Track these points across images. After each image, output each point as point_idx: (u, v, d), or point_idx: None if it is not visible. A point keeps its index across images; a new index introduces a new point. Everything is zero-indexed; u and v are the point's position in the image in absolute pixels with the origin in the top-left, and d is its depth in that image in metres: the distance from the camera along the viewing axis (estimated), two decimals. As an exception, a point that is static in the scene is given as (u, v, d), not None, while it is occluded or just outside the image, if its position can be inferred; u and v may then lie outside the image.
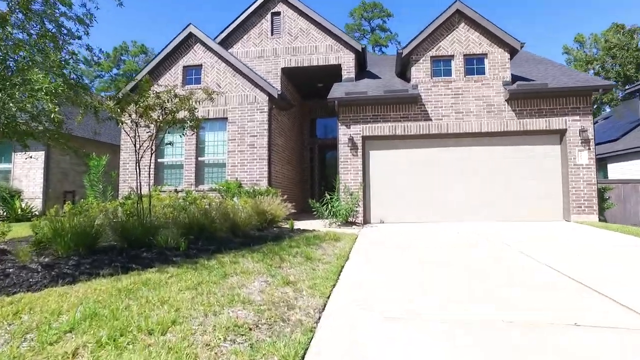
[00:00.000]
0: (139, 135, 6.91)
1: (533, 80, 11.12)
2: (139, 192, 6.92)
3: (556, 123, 10.57)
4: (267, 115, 11.46)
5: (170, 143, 8.34)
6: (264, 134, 11.42)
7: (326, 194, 10.50)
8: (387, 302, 3.67)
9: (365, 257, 5.98)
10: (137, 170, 6.97)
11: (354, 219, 10.64)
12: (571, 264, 5.16)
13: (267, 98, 11.52)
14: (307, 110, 16.69)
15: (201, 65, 12.08)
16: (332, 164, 16.66)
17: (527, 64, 13.05)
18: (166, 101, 6.92)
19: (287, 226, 8.93)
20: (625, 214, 13.35)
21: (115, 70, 48.26)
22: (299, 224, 10.26)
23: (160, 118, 7.16)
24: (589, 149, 10.42)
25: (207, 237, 6.71)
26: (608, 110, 36.37)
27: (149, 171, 11.95)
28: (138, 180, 6.94)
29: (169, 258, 5.26)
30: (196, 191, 11.57)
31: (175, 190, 11.69)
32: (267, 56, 13.18)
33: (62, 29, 6.23)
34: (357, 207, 10.54)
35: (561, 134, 10.68)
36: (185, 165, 11.80)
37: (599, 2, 60.30)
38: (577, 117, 10.53)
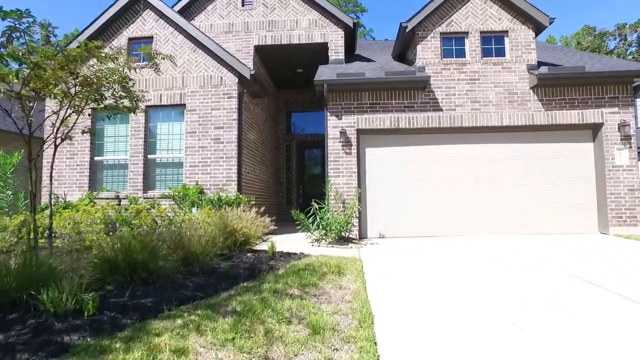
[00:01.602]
0: (28, 116, 4.34)
1: (560, 65, 9.26)
2: (31, 203, 4.37)
3: (591, 116, 8.72)
4: (236, 102, 9.04)
5: (91, 132, 5.72)
6: (233, 126, 8.99)
7: (313, 203, 8.19)
8: None
9: (397, 313, 3.72)
10: (31, 171, 4.40)
11: (347, 234, 8.38)
12: None
13: (237, 80, 9.09)
14: (282, 101, 14.32)
15: (152, 37, 9.49)
16: (313, 164, 14.39)
17: (544, 51, 11.21)
18: (78, 62, 4.39)
19: (265, 248, 6.56)
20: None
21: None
22: (279, 241, 7.92)
23: (73, 91, 4.63)
24: (631, 147, 8.62)
25: (145, 279, 4.26)
26: None
27: (87, 172, 9.35)
28: (32, 187, 4.39)
29: (52, 339, 2.81)
30: (144, 199, 8.99)
31: (117, 198, 9.07)
32: (236, 31, 10.73)
33: None
34: (353, 219, 8.29)
35: (595, 129, 8.84)
36: (130, 165, 9.19)
37: (569, 3, 60.98)
38: (616, 109, 8.71)
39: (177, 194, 8.50)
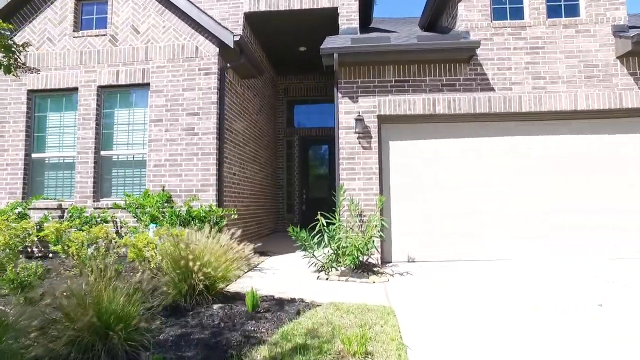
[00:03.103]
0: None
1: (650, 30, 6.88)
2: None
3: (700, 96, 6.34)
4: (216, 80, 6.75)
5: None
6: (211, 112, 6.70)
7: (319, 217, 5.87)
8: None
9: None
10: None
11: (366, 258, 6.05)
12: None
13: (217, 50, 6.81)
14: (282, 89, 12.02)
15: (107, -3, 7.25)
16: (319, 164, 12.09)
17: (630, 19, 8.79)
18: None
19: (246, 289, 4.24)
20: None
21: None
22: (272, 267, 5.68)
23: None
24: None
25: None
26: None
27: (20, 173, 7.09)
28: None
29: None
30: (95, 209, 6.73)
31: (60, 208, 6.81)
32: (221, -6, 8.46)
33: None
34: (374, 238, 5.94)
35: None
36: (77, 165, 6.93)
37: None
38: None
39: (133, 203, 6.22)
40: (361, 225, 6.39)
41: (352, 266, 5.62)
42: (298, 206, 11.61)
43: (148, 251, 4.68)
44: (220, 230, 5.87)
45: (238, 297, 4.24)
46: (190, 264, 3.63)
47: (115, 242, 4.98)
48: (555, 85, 6.55)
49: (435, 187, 6.73)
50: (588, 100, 6.45)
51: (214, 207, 5.93)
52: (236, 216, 6.34)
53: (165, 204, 6.48)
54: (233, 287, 4.71)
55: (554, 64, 6.59)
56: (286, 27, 8.98)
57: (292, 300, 4.19)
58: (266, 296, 4.31)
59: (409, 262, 6.66)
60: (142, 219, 6.04)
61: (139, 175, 6.97)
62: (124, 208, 6.27)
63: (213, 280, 3.82)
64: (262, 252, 7.47)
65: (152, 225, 5.77)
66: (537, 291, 4.65)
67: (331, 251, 5.80)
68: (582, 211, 6.54)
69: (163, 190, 6.64)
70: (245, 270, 5.70)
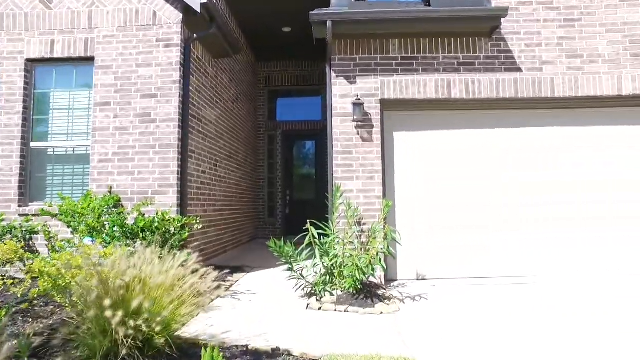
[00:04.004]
0: None
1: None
2: None
3: None
4: (179, 54, 5.36)
5: None
6: (173, 93, 5.31)
7: (309, 227, 4.55)
8: None
9: None
10: None
11: (368, 277, 4.74)
12: None
13: (180, 17, 5.42)
14: (263, 77, 10.66)
15: (42, -51, 5.77)
16: (305, 162, 10.79)
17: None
18: None
19: (207, 337, 2.90)
20: None
21: None
22: (248, 290, 4.38)
23: None
24: None
25: None
26: None
27: None
28: None
29: None
30: (21, 215, 5.27)
31: (-24, 214, 5.30)
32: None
33: None
34: (381, 254, 4.64)
35: None
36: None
37: None
38: None
39: (67, 210, 4.77)
40: (360, 236, 5.11)
41: (352, 290, 4.33)
42: (281, 209, 10.27)
43: (71, 279, 3.29)
44: (182, 245, 4.53)
45: (195, 348, 2.90)
46: (108, 313, 2.25)
47: (30, 265, 3.56)
48: (595, 65, 5.40)
49: (450, 189, 5.50)
50: (635, 83, 5.32)
51: (169, 215, 4.51)
52: (200, 226, 4.95)
53: (113, 210, 5.07)
54: (191, 328, 3.37)
55: (592, 40, 5.44)
56: (268, 2, 7.63)
57: (275, 354, 2.87)
58: (237, 346, 2.98)
59: (418, 279, 5.41)
60: (77, 230, 4.61)
61: (82, 174, 5.54)
62: (55, 215, 4.82)
63: (151, 333, 2.45)
64: (238, 268, 6.13)
65: (87, 240, 4.35)
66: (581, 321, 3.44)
67: (324, 269, 4.51)
68: (630, 220, 5.41)
69: (110, 192, 5.22)
70: (213, 297, 4.35)
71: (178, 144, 5.27)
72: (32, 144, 5.52)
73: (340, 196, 4.72)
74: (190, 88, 5.63)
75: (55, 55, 5.46)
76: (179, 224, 4.45)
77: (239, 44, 7.64)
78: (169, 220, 4.32)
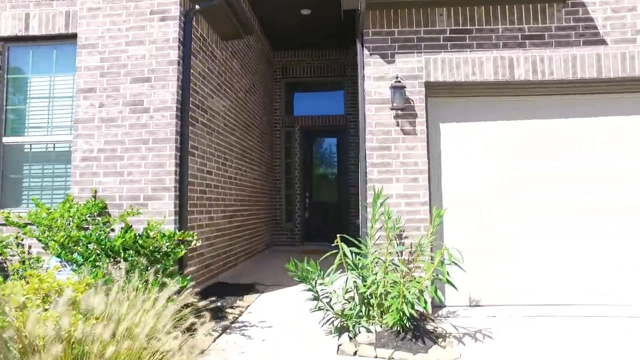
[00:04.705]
0: None
1: None
2: None
3: None
4: (177, 29, 4.39)
5: None
6: (170, 76, 4.34)
7: (340, 244, 3.51)
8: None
9: None
10: None
11: (418, 311, 3.68)
12: None
13: (179, -16, 4.46)
14: (279, 67, 9.67)
15: None
16: (326, 161, 9.81)
17: None
18: None
19: None
20: None
21: None
22: (259, 318, 3.31)
23: None
24: None
25: None
26: None
27: None
28: None
29: None
30: (-9, 224, 4.37)
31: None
32: None
33: None
34: (432, 282, 3.58)
35: None
36: (-31, 158, 4.59)
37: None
38: None
39: (41, 219, 3.83)
40: (401, 253, 4.06)
41: (396, 328, 3.29)
42: (300, 213, 9.26)
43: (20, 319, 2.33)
44: (180, 266, 3.57)
45: None
46: None
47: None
48: (701, 36, 4.24)
49: (508, 195, 4.40)
50: None
51: (156, 230, 3.49)
52: (199, 243, 3.94)
53: (98, 219, 4.14)
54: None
55: (698, 4, 4.27)
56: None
57: None
58: None
59: (471, 306, 4.34)
60: (49, 245, 3.67)
61: (65, 175, 4.62)
62: (24, 226, 3.89)
63: None
64: (249, 287, 5.14)
65: (54, 260, 3.41)
66: None
67: (358, 298, 3.49)
68: None
69: (95, 196, 4.29)
70: (217, 334, 3.36)
71: (176, 138, 4.29)
72: (5, 139, 4.63)
73: (382, 204, 3.65)
74: (193, 72, 4.68)
75: (31, 33, 4.55)
76: (174, 239, 3.45)
77: (251, 22, 6.66)
78: (154, 237, 3.32)
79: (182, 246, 3.56)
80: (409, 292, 3.16)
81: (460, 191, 4.43)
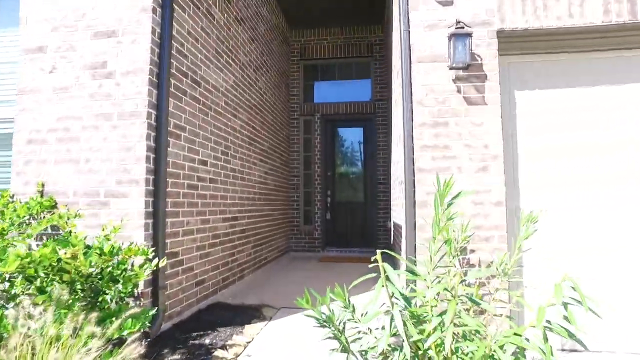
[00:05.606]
0: None
1: None
2: None
3: None
4: (153, -36, 3.22)
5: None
6: (141, 28, 3.17)
7: (379, 262, 2.26)
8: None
9: None
10: None
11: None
12: None
13: None
14: (297, 48, 8.46)
15: None
16: (351, 155, 8.55)
17: None
18: None
19: None
20: None
21: None
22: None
23: None
24: None
25: None
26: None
27: None
28: None
29: None
30: None
31: None
32: None
33: None
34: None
35: None
36: None
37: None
38: None
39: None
40: (465, 273, 2.76)
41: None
42: (320, 214, 8.02)
43: None
44: (153, 288, 2.41)
45: None
46: None
47: None
48: None
49: (623, 187, 3.05)
50: None
51: (81, 246, 2.27)
52: (164, 263, 2.70)
53: (46, 218, 3.00)
54: None
55: None
56: None
57: None
58: None
59: (563, 350, 3.00)
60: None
61: (7, 163, 3.51)
62: None
63: None
64: (254, 310, 3.95)
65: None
66: None
67: (409, 348, 2.21)
68: None
69: (41, 191, 3.16)
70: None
71: (149, 111, 3.11)
72: None
73: (449, 204, 2.34)
74: (179, 29, 3.50)
75: (-34, -24, 3.46)
76: (121, 263, 2.25)
77: (272, 16, 5.45)
78: (87, 257, 2.10)
79: (144, 268, 2.35)
80: (500, 350, 1.87)
81: (543, 184, 3.11)
